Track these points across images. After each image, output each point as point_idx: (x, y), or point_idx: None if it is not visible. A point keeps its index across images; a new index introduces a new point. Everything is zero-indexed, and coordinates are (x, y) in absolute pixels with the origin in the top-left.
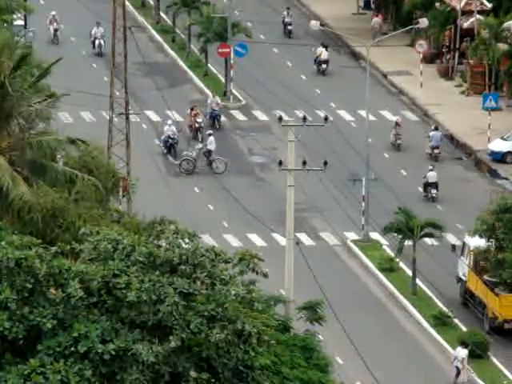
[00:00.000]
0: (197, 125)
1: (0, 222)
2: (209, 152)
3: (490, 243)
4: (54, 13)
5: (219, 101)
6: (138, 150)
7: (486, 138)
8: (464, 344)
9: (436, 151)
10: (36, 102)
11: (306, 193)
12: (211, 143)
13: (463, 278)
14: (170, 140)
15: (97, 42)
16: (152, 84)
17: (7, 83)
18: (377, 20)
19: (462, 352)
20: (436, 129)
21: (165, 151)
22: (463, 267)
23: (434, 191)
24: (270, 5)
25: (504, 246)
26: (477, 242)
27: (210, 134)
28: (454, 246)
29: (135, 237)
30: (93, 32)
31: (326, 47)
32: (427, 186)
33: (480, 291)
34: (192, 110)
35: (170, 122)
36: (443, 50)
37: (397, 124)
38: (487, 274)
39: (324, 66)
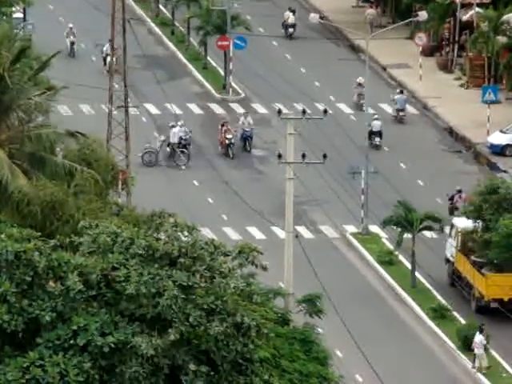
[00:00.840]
0: (227, 141)
1: None
2: (172, 144)
3: (476, 224)
4: (71, 25)
5: (251, 121)
6: (137, 142)
7: (485, 130)
8: (480, 329)
9: (401, 114)
10: (35, 95)
11: (305, 186)
12: (174, 135)
13: (451, 259)
14: (183, 141)
15: (108, 59)
16: (151, 77)
17: (6, 76)
18: (371, 11)
19: (477, 338)
20: (401, 92)
21: (178, 152)
22: (451, 248)
23: (377, 139)
24: None
25: (491, 227)
26: (464, 224)
27: (172, 126)
28: (441, 228)
29: (134, 230)
30: (104, 49)
31: (293, 11)
32: (371, 134)
33: (467, 271)
34: (222, 126)
35: (180, 122)
36: (442, 43)
37: (359, 84)
38: (474, 255)
39: (291, 29)
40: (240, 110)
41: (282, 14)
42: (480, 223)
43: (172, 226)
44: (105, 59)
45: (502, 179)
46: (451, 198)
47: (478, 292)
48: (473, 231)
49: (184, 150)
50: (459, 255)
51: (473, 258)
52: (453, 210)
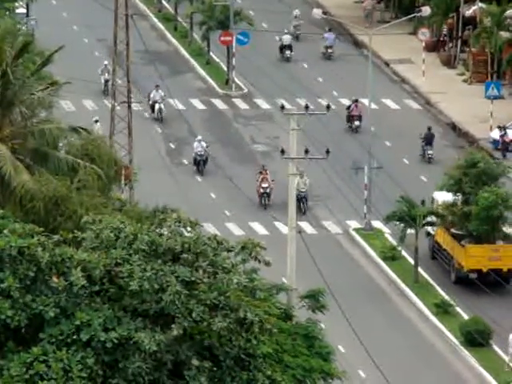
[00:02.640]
0: (262, 190)
1: (2, 210)
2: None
3: (456, 197)
4: (106, 62)
5: (308, 181)
6: (140, 138)
7: (488, 126)
8: None
9: (329, 51)
10: (38, 90)
11: (308, 181)
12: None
13: (432, 232)
14: (199, 157)
15: (156, 106)
16: (154, 72)
17: (9, 71)
18: (368, 2)
19: (511, 336)
20: (329, 30)
21: (194, 169)
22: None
23: (288, 52)
24: None
25: (470, 200)
26: (444, 197)
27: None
28: (423, 202)
29: (137, 225)
30: (152, 95)
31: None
32: (282, 48)
33: (447, 244)
34: (260, 173)
35: (199, 137)
36: (442, 39)
37: (295, 17)
38: (454, 227)
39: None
40: (243, 105)
41: (285, 9)
42: (460, 196)
43: (175, 222)
44: (153, 107)
45: (482, 154)
46: (348, 108)
47: (457, 263)
48: (453, 204)
49: (199, 167)
50: (439, 228)
51: (452, 230)
52: (349, 119)
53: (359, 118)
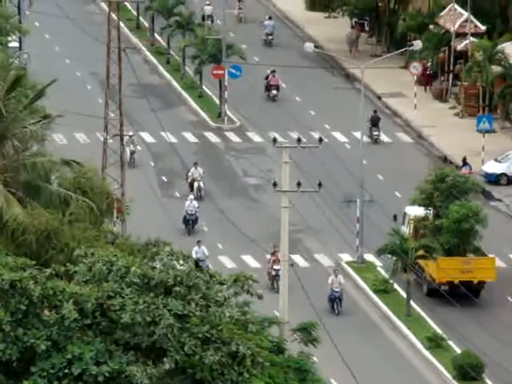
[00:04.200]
0: (274, 272)
1: None
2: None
3: (428, 211)
4: (131, 133)
5: (342, 280)
6: (132, 171)
7: (480, 159)
8: None
9: (270, 37)
10: (30, 124)
11: (300, 214)
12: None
13: None
14: (188, 216)
15: (196, 184)
16: (146, 105)
17: (1, 105)
18: (351, 31)
19: None
20: (270, 18)
21: (182, 227)
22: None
23: (208, 22)
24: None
25: (441, 214)
26: (416, 211)
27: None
28: (395, 216)
29: (130, 258)
30: (190, 173)
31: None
32: (203, 18)
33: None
34: (272, 254)
35: (191, 196)
36: (428, 73)
37: (239, 0)
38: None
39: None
40: (235, 138)
41: (276, 42)
42: (431, 210)
43: (168, 255)
44: (191, 184)
45: (451, 168)
46: (266, 78)
47: (429, 275)
48: (424, 218)
49: (188, 226)
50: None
51: None
52: (267, 88)
53: (277, 87)
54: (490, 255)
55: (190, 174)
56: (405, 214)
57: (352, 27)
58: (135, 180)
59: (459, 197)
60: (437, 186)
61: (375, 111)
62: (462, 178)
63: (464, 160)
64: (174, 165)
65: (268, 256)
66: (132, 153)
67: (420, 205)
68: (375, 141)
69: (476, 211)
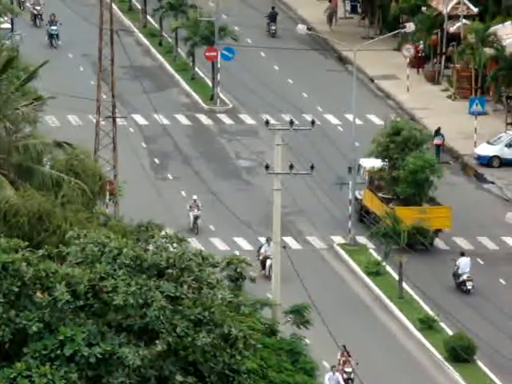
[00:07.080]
0: (345, 375)
1: None
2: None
3: (384, 163)
4: (195, 197)
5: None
6: (124, 153)
7: (472, 142)
8: None
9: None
10: (22, 106)
11: (293, 197)
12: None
13: (359, 197)
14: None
15: (268, 262)
16: (139, 87)
17: None
18: (330, 5)
19: None
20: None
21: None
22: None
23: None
24: (256, 8)
25: (397, 165)
26: (371, 163)
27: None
28: (350, 169)
29: (122, 240)
30: (262, 250)
31: None
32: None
33: (375, 207)
34: (342, 354)
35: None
36: (420, 55)
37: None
38: (382, 192)
39: None
40: (228, 121)
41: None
42: (387, 162)
43: (162, 238)
44: (263, 262)
45: (406, 121)
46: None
47: (385, 225)
48: (380, 170)
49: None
50: (367, 192)
51: (380, 194)
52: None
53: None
54: (483, 237)
55: (262, 250)
56: (359, 165)
57: (329, 1)
58: (128, 162)
59: (413, 149)
60: (392, 139)
61: (273, 7)
62: (416, 131)
63: (437, 131)
64: (167, 147)
65: (338, 356)
66: (196, 218)
67: (377, 157)
68: (272, 35)
69: (431, 163)
